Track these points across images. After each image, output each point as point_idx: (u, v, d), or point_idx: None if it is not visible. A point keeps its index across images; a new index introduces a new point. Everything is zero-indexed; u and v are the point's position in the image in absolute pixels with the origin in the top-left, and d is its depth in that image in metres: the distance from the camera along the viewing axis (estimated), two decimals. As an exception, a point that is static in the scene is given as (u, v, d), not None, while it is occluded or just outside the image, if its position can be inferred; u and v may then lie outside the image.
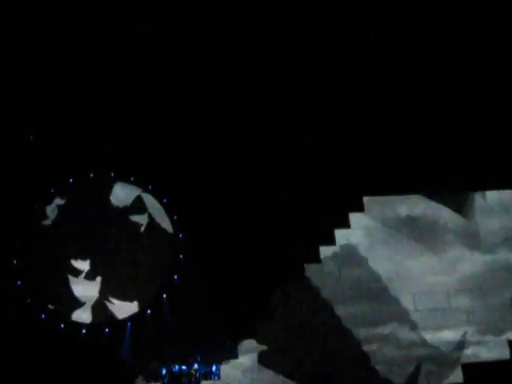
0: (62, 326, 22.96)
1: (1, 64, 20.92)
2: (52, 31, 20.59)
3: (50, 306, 23.11)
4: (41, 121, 22.71)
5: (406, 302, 23.34)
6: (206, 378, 22.19)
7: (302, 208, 23.29)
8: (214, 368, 22.40)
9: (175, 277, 23.86)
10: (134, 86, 22.63)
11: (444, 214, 24.09)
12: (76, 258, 23.47)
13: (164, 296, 23.68)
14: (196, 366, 22.27)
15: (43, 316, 22.97)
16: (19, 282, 23.31)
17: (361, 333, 22.85)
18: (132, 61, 22.22)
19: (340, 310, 23.05)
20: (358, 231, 23.92)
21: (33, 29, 20.38)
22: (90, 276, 23.48)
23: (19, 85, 21.67)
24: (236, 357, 22.81)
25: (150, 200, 24.47)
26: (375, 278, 23.49)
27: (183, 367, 22.27)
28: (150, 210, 24.33)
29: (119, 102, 22.78)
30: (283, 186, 23.28)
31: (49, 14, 20.48)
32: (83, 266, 23.61)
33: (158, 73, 22.66)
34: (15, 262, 23.47)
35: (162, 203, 24.38)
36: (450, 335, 22.78)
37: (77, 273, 23.44)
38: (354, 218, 23.97)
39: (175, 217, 24.29)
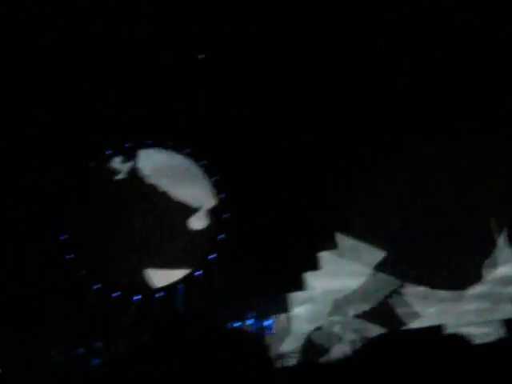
0: (115, 293, 23.35)
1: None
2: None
3: (102, 276, 23.48)
4: (96, 89, 22.90)
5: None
6: (260, 333, 22.30)
7: (342, 158, 23.07)
8: (268, 322, 22.50)
9: (222, 236, 24.02)
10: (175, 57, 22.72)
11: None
12: (125, 226, 23.87)
13: (213, 256, 23.87)
14: (250, 321, 22.37)
15: (95, 287, 23.39)
16: (71, 256, 23.79)
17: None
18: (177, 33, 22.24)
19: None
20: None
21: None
22: (142, 243, 23.82)
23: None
24: (289, 310, 22.88)
25: (188, 163, 24.60)
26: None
27: (238, 324, 22.37)
28: (190, 173, 24.44)
29: (159, 71, 22.86)
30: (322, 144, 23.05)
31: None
32: (133, 233, 23.93)
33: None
34: (65, 236, 23.93)
35: (202, 165, 24.45)
36: None
37: (127, 240, 23.82)
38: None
39: (216, 178, 24.37)
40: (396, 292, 22.32)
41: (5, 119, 22.12)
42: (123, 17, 21.54)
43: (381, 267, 22.17)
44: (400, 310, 22.18)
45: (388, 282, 22.31)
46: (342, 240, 22.57)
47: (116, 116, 22.93)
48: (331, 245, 22.79)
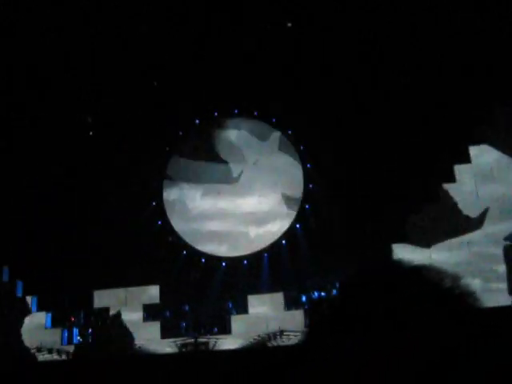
0: (203, 260, 23.92)
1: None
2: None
3: (188, 243, 24.11)
4: (163, 68, 23.31)
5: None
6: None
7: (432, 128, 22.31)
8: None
9: (307, 207, 24.01)
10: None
11: None
12: (211, 193, 24.39)
13: (298, 226, 23.93)
14: (335, 291, 22.16)
15: (184, 252, 24.05)
16: (160, 222, 24.58)
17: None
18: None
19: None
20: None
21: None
22: (222, 212, 24.25)
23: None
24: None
25: (275, 132, 24.66)
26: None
27: (322, 294, 22.30)
28: (273, 143, 24.51)
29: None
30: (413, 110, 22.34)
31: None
32: (216, 203, 24.37)
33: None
34: (154, 203, 24.72)
35: (287, 135, 24.43)
36: None
37: (213, 208, 24.31)
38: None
39: (302, 147, 24.29)
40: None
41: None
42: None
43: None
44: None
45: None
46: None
47: (204, 86, 23.16)
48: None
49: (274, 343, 20.25)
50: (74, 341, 21.59)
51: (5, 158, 22.10)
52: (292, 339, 19.96)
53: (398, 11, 20.56)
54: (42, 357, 20.06)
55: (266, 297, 21.50)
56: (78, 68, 22.29)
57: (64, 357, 20.23)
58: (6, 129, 22.51)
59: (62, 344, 21.05)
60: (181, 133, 25.14)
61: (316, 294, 22.38)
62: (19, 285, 22.07)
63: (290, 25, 22.77)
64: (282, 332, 20.11)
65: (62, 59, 22.01)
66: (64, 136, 22.80)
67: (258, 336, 20.33)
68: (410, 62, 20.97)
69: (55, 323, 21.89)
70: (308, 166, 24.17)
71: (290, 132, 24.42)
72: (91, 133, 24.03)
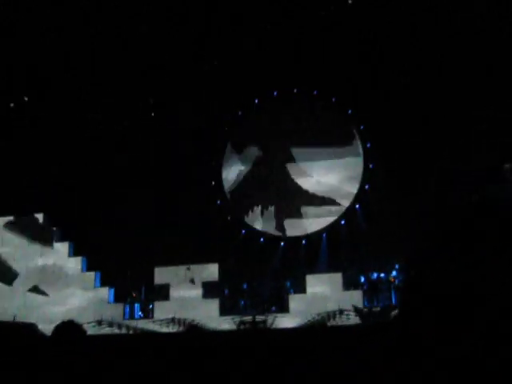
0: (262, 239, 24.03)
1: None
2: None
3: (247, 223, 24.26)
4: (221, 51, 23.32)
5: None
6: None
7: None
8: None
9: (366, 187, 23.73)
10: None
11: None
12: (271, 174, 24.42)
13: (357, 206, 23.70)
14: (394, 273, 21.94)
15: (243, 231, 24.22)
16: (219, 202, 24.80)
17: None
18: None
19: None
20: None
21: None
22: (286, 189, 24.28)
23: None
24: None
25: (333, 112, 24.43)
26: None
27: (381, 275, 22.06)
28: (334, 123, 24.28)
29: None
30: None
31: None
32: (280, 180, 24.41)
33: None
34: (213, 183, 24.94)
35: (346, 115, 24.15)
36: None
37: (274, 186, 24.38)
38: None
39: (361, 127, 24.00)
40: None
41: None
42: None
43: None
44: None
45: None
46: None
47: (265, 66, 23.09)
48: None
49: (333, 322, 20.22)
50: (136, 316, 22.15)
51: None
52: (351, 319, 19.91)
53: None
54: (103, 330, 20.67)
55: (325, 276, 21.46)
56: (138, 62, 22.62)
57: (124, 331, 20.79)
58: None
59: (123, 319, 21.63)
60: (240, 112, 25.16)
61: (375, 274, 22.16)
62: (83, 261, 22.77)
63: (350, 1, 22.37)
64: (341, 311, 20.05)
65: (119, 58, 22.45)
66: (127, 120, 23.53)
67: (318, 315, 20.34)
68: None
69: (118, 298, 22.50)
70: (368, 145, 23.82)
71: (349, 112, 24.07)
72: (153, 114, 24.43)
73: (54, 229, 23.21)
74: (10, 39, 21.54)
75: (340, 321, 20.15)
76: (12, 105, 24.15)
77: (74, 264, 22.73)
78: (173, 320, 20.68)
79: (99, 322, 20.82)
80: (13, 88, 23.52)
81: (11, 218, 23.54)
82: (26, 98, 24.01)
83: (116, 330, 20.92)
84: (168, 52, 22.66)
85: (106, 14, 21.63)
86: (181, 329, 19.80)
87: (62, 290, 22.30)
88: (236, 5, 21.75)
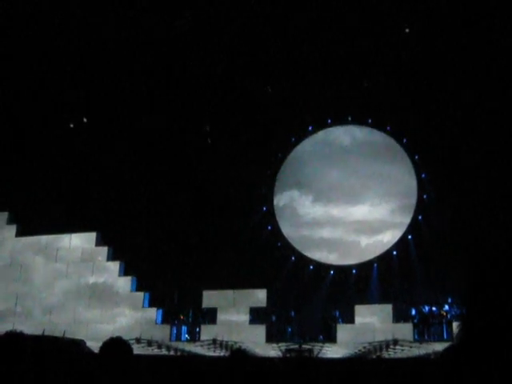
0: (311, 267, 23.83)
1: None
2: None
3: (297, 249, 24.12)
4: (277, 74, 23.50)
5: None
6: (458, 320, 21.24)
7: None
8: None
9: (420, 217, 23.30)
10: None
11: None
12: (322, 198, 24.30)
13: (410, 237, 23.27)
14: (447, 307, 21.40)
15: (293, 258, 24.09)
16: (269, 227, 24.76)
17: None
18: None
19: None
20: None
21: None
22: (333, 220, 24.04)
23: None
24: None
25: (388, 141, 24.15)
26: None
27: (433, 308, 21.55)
28: (390, 151, 23.98)
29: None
30: None
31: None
32: (327, 210, 24.23)
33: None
34: (265, 208, 24.96)
35: (402, 144, 23.86)
36: None
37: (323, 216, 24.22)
38: None
39: (416, 157, 23.63)
40: None
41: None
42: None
43: None
44: None
45: None
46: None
47: (316, 93, 23.13)
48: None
49: (385, 354, 19.79)
50: (182, 338, 22.21)
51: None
52: (405, 350, 19.46)
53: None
54: (152, 351, 20.79)
55: (374, 307, 21.11)
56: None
57: (172, 352, 20.84)
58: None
59: (170, 340, 21.72)
60: (293, 139, 25.23)
61: (427, 308, 21.66)
62: (133, 280, 23.05)
63: (407, 30, 22.26)
64: (395, 341, 19.60)
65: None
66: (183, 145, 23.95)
67: (369, 344, 19.98)
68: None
69: (165, 319, 22.63)
70: (422, 175, 23.45)
71: (404, 141, 23.81)
72: (209, 140, 24.82)
73: (107, 248, 23.64)
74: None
75: (393, 352, 19.74)
76: (72, 125, 24.88)
77: (124, 283, 23.04)
78: (214, 341, 20.66)
79: (149, 343, 20.95)
80: (71, 110, 24.27)
81: (66, 235, 24.13)
82: (85, 119, 24.71)
83: (159, 351, 21.01)
84: (223, 78, 23.00)
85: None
86: (226, 353, 19.73)
87: (111, 308, 22.59)
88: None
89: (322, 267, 23.73)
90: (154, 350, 20.77)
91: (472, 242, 20.25)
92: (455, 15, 20.43)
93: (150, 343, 20.86)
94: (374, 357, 19.39)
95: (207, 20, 21.61)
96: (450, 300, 21.50)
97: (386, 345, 19.74)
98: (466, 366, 1.07)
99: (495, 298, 1.11)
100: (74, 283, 23.37)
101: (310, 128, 25.15)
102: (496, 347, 1.04)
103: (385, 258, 23.29)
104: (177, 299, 22.94)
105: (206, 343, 20.92)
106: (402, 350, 19.53)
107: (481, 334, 1.08)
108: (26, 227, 24.61)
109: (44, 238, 24.32)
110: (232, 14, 21.35)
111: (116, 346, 3.68)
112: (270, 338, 21.14)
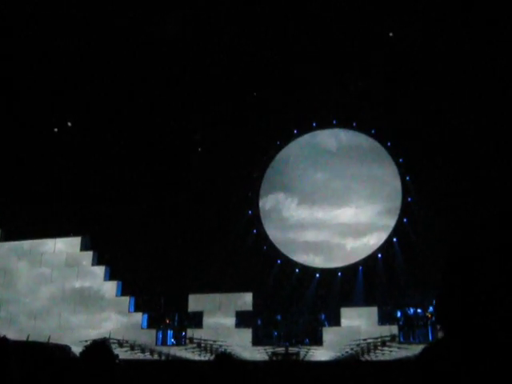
0: (297, 270, 23.86)
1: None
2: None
3: (283, 252, 24.15)
4: (262, 78, 23.54)
5: None
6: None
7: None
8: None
9: (405, 220, 23.42)
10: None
11: None
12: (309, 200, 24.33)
13: (394, 240, 23.38)
14: (432, 309, 21.49)
15: (279, 261, 24.09)
16: (255, 231, 24.77)
17: None
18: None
19: None
20: None
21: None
22: (318, 223, 24.09)
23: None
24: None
25: (372, 144, 24.27)
26: None
27: (418, 310, 21.64)
28: (375, 154, 24.09)
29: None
30: None
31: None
32: (312, 213, 24.28)
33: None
34: (250, 212, 24.96)
35: (386, 147, 23.98)
36: None
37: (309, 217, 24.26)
38: None
39: (400, 160, 23.76)
40: None
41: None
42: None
43: None
44: None
45: None
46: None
47: (301, 97, 23.20)
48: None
49: (368, 357, 19.86)
50: (168, 342, 22.13)
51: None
52: (390, 353, 19.54)
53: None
54: (136, 355, 20.70)
55: (360, 310, 21.18)
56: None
57: (156, 357, 20.77)
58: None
59: (156, 344, 21.64)
60: (278, 142, 25.28)
61: (412, 310, 21.75)
62: (118, 285, 22.94)
63: (391, 34, 22.43)
64: (383, 343, 19.70)
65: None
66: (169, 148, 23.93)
67: (357, 345, 20.05)
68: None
69: (151, 324, 22.54)
70: (407, 178, 23.58)
71: (389, 144, 23.93)
72: (199, 149, 24.85)
73: (92, 252, 23.52)
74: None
75: (379, 354, 19.82)
76: (56, 130, 24.76)
77: (110, 288, 22.93)
78: (191, 340, 20.68)
79: (132, 347, 20.86)
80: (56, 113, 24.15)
81: (50, 239, 23.97)
82: (70, 124, 24.61)
83: (148, 356, 20.93)
84: (208, 82, 23.00)
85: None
86: (212, 357, 19.71)
87: (96, 313, 22.47)
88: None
89: (308, 270, 23.75)
90: (137, 354, 20.73)
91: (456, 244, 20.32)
92: (438, 19, 20.60)
93: (132, 347, 20.80)
94: (357, 359, 19.50)
95: (195, 24, 21.64)
96: (434, 302, 21.51)
97: (374, 346, 19.83)
98: (442, 363, 1.08)
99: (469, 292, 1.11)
100: (59, 288, 23.21)
101: (296, 131, 25.20)
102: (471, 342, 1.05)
103: (370, 260, 23.37)
104: (163, 303, 22.85)
105: (190, 347, 20.89)
106: (390, 351, 19.62)
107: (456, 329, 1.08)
108: (10, 232, 24.42)
109: (28, 243, 24.13)
110: (219, 18, 21.41)
111: (98, 349, 3.66)
112: (257, 341, 21.12)
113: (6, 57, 21.87)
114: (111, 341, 19.30)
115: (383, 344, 19.74)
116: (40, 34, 21.22)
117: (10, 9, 20.55)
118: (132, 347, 20.77)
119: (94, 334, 20.43)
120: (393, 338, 19.80)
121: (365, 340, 20.08)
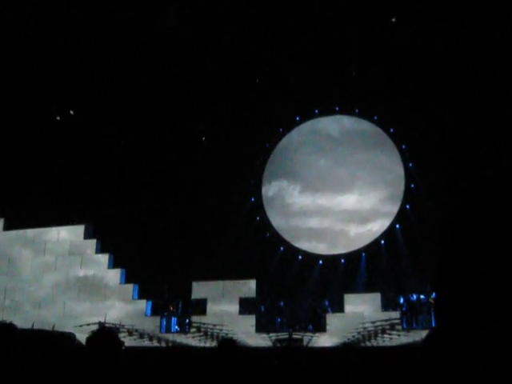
0: (300, 257, 23.90)
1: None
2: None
3: (286, 239, 24.19)
4: (265, 65, 23.49)
5: None
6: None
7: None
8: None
9: (407, 206, 23.41)
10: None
11: None
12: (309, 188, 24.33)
13: (397, 226, 23.38)
14: (435, 295, 21.46)
15: (282, 248, 24.15)
16: (258, 218, 24.80)
17: None
18: None
19: None
20: None
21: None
22: (321, 209, 24.11)
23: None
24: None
25: (375, 130, 24.21)
26: None
27: (421, 296, 21.67)
28: (378, 140, 24.04)
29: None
30: None
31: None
32: (315, 200, 24.27)
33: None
34: (253, 199, 24.97)
35: (389, 133, 23.92)
36: None
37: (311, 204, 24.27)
38: None
39: (403, 146, 23.71)
40: None
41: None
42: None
43: None
44: None
45: None
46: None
47: (303, 83, 23.12)
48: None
49: (373, 343, 19.93)
50: (172, 329, 22.23)
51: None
52: (393, 339, 19.62)
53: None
54: (143, 343, 20.81)
55: (363, 296, 21.22)
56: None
57: (163, 344, 20.87)
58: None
59: (160, 332, 21.75)
60: (281, 129, 25.24)
61: (414, 296, 21.77)
62: (122, 273, 23.02)
63: (394, 20, 22.29)
64: (383, 330, 19.79)
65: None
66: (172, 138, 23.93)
67: (358, 333, 20.13)
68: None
69: (155, 311, 22.64)
70: (410, 164, 23.54)
71: (391, 130, 23.87)
72: (203, 138, 24.84)
73: (95, 240, 23.58)
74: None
75: (381, 341, 19.89)
76: (58, 118, 24.74)
77: (113, 276, 23.01)
78: (204, 332, 20.77)
79: (141, 335, 20.97)
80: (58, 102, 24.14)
81: (53, 228, 24.03)
82: (72, 112, 24.59)
83: (156, 343, 21.05)
84: (210, 70, 22.95)
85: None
86: (215, 343, 19.79)
87: (100, 301, 22.56)
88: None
89: (311, 257, 23.79)
90: (138, 340, 20.85)
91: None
92: (442, 5, 20.48)
93: (130, 333, 20.92)
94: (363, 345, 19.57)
95: (194, 15, 21.57)
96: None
97: (375, 333, 19.89)
98: (443, 351, 1.08)
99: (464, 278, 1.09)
100: (63, 276, 23.30)
101: (298, 118, 25.15)
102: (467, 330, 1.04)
103: (373, 247, 23.40)
104: (166, 291, 22.93)
105: (195, 334, 21.00)
106: (391, 338, 19.68)
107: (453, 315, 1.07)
108: (13, 221, 24.48)
109: (31, 232, 24.21)
110: (218, 7, 21.31)
111: (104, 336, 3.68)
112: (260, 328, 21.21)
113: (7, 51, 21.86)
114: (106, 325, 19.46)
115: (392, 328, 19.84)
116: (39, 29, 21.19)
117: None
118: (130, 333, 20.89)
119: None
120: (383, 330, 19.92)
121: (373, 323, 20.16)
